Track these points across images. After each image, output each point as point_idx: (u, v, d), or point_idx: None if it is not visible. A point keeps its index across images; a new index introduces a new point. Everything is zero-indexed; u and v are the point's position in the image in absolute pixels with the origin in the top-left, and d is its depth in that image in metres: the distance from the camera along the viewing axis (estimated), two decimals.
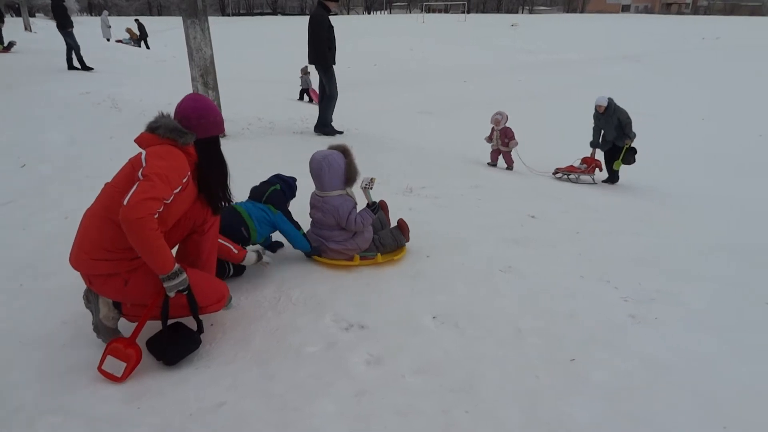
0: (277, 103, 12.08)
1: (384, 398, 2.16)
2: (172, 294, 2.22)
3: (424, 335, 2.60)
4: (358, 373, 2.32)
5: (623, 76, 19.30)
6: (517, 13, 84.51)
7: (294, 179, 3.52)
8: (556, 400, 2.17)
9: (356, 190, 3.38)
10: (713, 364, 2.51)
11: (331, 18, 7.35)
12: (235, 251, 2.85)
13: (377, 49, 30.01)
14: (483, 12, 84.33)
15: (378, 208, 3.38)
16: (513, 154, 7.57)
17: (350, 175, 3.19)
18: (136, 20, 26.60)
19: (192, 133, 2.35)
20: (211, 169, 2.46)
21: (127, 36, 25.80)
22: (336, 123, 8.13)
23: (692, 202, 6.78)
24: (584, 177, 7.56)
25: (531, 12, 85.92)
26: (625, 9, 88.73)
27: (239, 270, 3.15)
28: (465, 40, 33.57)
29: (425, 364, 2.37)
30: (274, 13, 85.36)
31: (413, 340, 2.55)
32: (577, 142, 8.23)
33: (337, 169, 3.15)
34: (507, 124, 7.62)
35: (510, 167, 7.63)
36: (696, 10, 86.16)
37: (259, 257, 2.99)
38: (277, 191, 3.33)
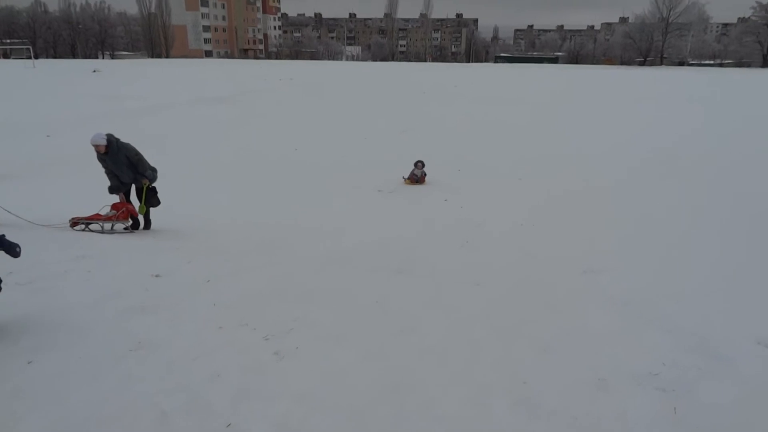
0: None
1: None
2: None
3: None
4: None
5: (218, 116, 20.24)
6: (96, 58, 79.31)
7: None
8: None
9: None
10: (346, 375, 2.76)
11: None
12: None
13: None
14: (55, 57, 75.83)
15: None
16: None
17: None
18: None
19: None
20: None
21: None
22: None
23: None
24: (117, 225, 6.51)
25: (113, 57, 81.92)
26: (208, 54, 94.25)
27: None
28: (39, 88, 29.32)
29: None
30: None
31: None
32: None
33: None
34: None
35: None
36: (269, 55, 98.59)
37: None
38: None
